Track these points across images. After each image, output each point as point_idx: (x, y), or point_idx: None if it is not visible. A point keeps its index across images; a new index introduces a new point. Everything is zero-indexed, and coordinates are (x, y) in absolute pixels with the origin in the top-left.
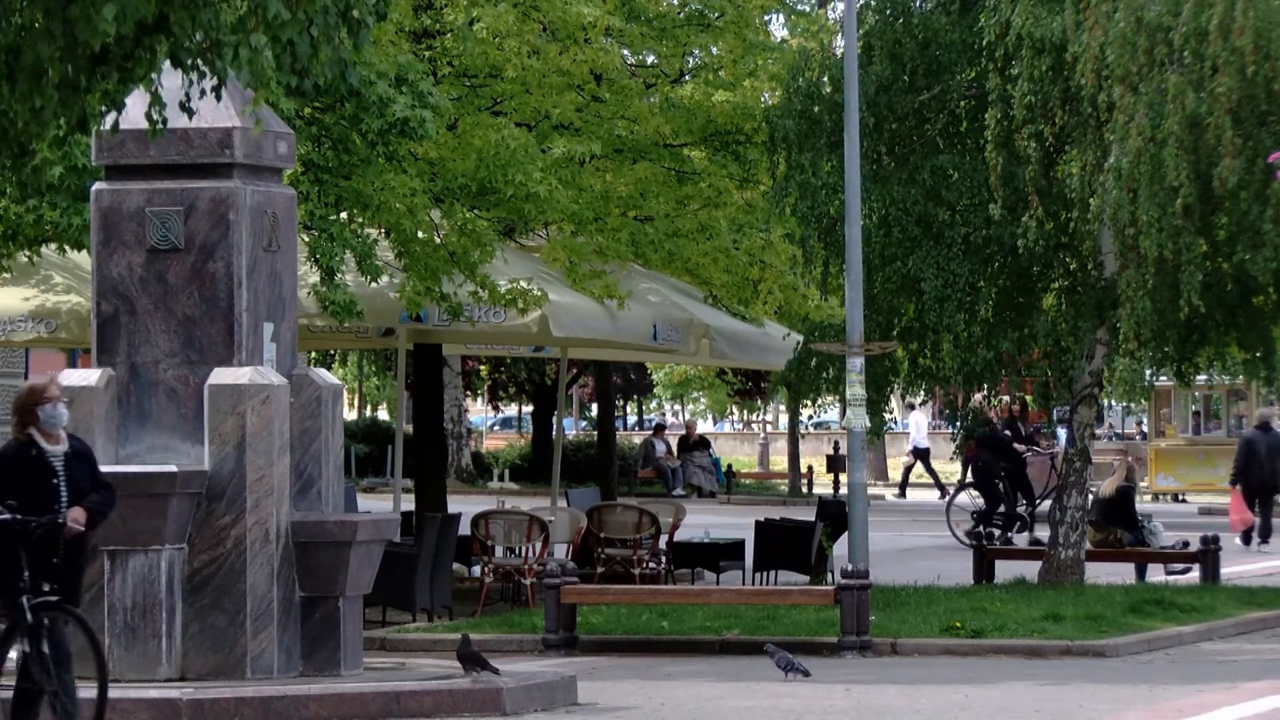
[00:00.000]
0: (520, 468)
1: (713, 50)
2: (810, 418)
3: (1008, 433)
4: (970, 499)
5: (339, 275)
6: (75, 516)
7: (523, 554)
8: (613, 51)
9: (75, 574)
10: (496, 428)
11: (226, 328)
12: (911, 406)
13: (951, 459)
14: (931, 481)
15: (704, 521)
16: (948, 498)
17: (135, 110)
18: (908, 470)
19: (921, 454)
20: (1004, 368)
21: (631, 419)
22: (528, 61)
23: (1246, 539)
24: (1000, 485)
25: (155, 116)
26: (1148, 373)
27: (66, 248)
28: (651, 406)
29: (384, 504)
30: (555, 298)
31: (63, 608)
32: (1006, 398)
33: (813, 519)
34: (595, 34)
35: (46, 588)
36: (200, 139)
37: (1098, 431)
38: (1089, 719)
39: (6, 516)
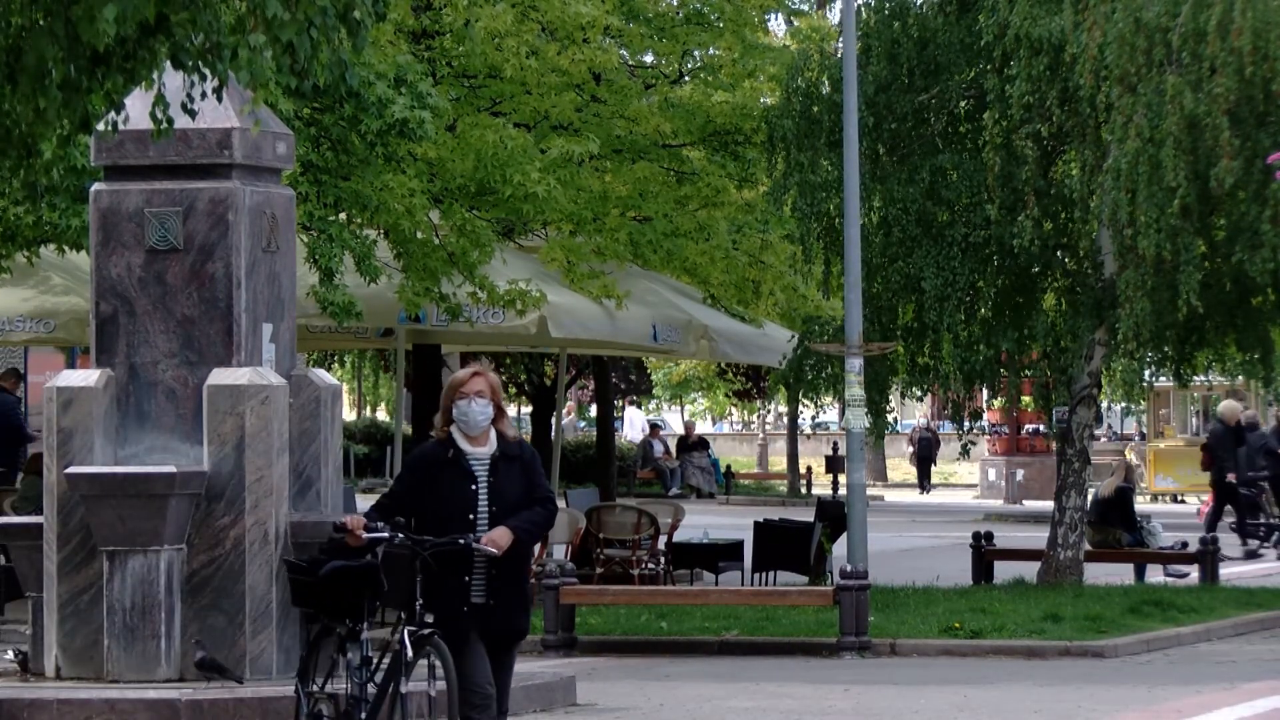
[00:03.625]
0: None
1: (712, 50)
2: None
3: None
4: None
5: (338, 276)
6: (494, 539)
7: None
8: (611, 51)
9: (507, 599)
10: None
11: (225, 328)
12: (634, 403)
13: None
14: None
15: (703, 522)
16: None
17: (135, 111)
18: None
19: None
20: (1003, 367)
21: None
22: (526, 61)
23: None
24: (1263, 493)
25: (160, 116)
26: (1146, 373)
27: (65, 248)
28: (650, 407)
29: None
30: (554, 298)
31: (431, 640)
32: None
33: (811, 519)
34: (594, 34)
35: (430, 619)
36: (199, 139)
37: (1097, 432)
38: (1088, 719)
39: (384, 534)
